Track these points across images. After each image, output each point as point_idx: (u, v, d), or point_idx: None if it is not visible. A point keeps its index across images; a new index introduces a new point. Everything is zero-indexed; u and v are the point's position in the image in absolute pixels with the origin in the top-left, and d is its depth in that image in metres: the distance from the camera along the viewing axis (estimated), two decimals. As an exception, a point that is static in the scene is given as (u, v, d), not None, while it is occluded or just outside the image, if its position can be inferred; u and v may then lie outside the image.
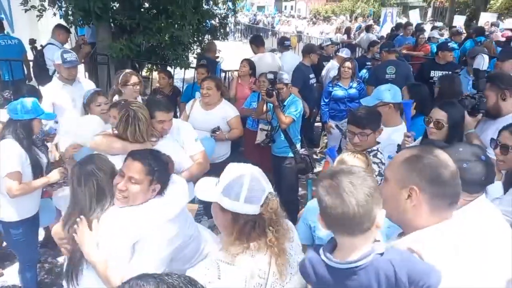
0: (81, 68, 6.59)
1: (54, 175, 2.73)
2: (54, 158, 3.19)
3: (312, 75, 5.43)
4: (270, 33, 19.79)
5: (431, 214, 1.24)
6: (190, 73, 6.75)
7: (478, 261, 1.30)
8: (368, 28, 11.56)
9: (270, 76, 3.75)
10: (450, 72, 4.95)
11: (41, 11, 5.67)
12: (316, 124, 6.73)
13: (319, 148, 6.09)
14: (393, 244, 1.29)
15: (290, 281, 1.44)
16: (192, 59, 7.05)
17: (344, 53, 5.84)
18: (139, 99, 3.71)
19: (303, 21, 22.05)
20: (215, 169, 3.42)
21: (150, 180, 1.80)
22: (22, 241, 2.80)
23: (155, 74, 6.84)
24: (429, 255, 1.19)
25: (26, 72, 5.89)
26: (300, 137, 4.03)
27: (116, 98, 3.56)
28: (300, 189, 4.63)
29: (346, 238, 1.20)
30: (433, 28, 11.22)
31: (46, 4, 5.67)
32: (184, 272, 1.49)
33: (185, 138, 2.89)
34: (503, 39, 8.44)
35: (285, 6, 38.31)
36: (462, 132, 2.52)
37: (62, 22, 5.69)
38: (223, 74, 6.36)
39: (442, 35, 9.00)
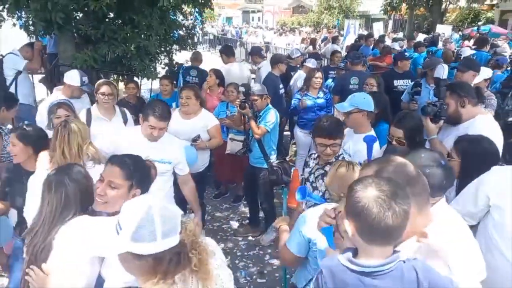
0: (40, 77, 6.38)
1: None
2: None
3: (281, 85, 5.50)
4: (238, 43, 19.91)
5: (419, 213, 1.31)
6: (157, 84, 6.66)
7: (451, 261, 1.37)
8: (334, 39, 11.89)
9: (242, 89, 3.84)
10: (409, 80, 5.19)
11: (-1, 21, 5.43)
12: (284, 133, 6.79)
13: (288, 157, 6.14)
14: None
15: None
16: (160, 69, 6.96)
17: (311, 63, 5.96)
18: (116, 108, 3.69)
19: (270, 32, 22.38)
20: (196, 178, 3.43)
21: (130, 185, 1.77)
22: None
23: (121, 85, 6.71)
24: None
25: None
26: (275, 148, 4.02)
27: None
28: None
29: (377, 248, 1.20)
30: (394, 40, 11.69)
31: (5, 14, 5.43)
32: None
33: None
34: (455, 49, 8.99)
35: (252, 18, 38.81)
36: (421, 138, 2.66)
37: (23, 32, 5.46)
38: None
39: (402, 46, 9.40)
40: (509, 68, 6.25)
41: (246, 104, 3.74)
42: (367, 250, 1.21)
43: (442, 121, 2.76)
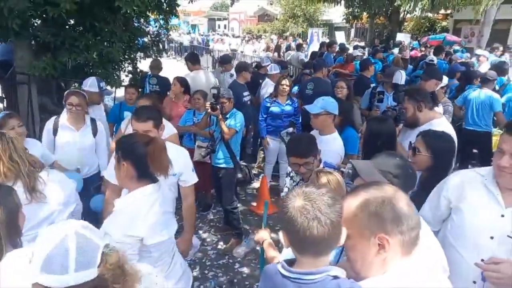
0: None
1: None
2: None
3: (246, 93, 5.53)
4: (204, 51, 19.86)
5: (403, 255, 1.14)
6: (122, 92, 6.52)
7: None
8: (299, 47, 12.14)
9: (214, 91, 3.93)
10: (376, 85, 5.40)
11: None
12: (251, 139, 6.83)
13: (256, 163, 6.18)
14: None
15: None
16: (124, 77, 6.82)
17: (273, 69, 6.03)
18: (87, 119, 3.57)
19: (237, 39, 22.50)
20: None
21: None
22: None
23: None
24: None
25: None
26: (240, 150, 4.21)
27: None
28: (240, 205, 4.66)
29: (308, 259, 1.20)
30: (355, 47, 12.11)
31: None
32: None
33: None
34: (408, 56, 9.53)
35: (218, 25, 38.85)
36: (394, 144, 2.72)
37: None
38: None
39: (363, 53, 9.76)
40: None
41: (218, 106, 3.81)
42: (299, 261, 1.22)
43: (401, 125, 2.88)
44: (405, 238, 1.12)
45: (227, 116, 3.99)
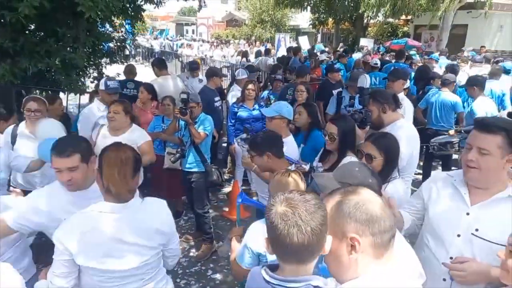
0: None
1: None
2: None
3: (217, 98, 5.52)
4: (173, 56, 19.67)
5: (375, 258, 1.15)
6: (86, 99, 6.34)
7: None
8: (268, 52, 12.26)
9: (184, 96, 3.91)
10: (341, 89, 5.54)
11: None
12: (223, 144, 6.82)
13: (227, 168, 6.16)
14: None
15: None
16: (89, 83, 6.63)
17: (240, 74, 6.07)
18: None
19: (206, 44, 22.44)
20: None
21: None
22: None
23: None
24: None
25: None
26: (210, 154, 4.21)
27: None
28: (212, 211, 4.63)
29: (290, 266, 1.20)
30: (322, 52, 12.39)
31: None
32: None
33: None
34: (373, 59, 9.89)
35: (186, 30, 38.60)
36: (353, 141, 2.81)
37: None
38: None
39: (330, 58, 9.98)
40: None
41: (187, 111, 3.80)
42: (282, 267, 1.23)
43: (368, 127, 2.97)
44: (377, 240, 1.13)
45: (196, 120, 3.98)
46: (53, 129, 3.00)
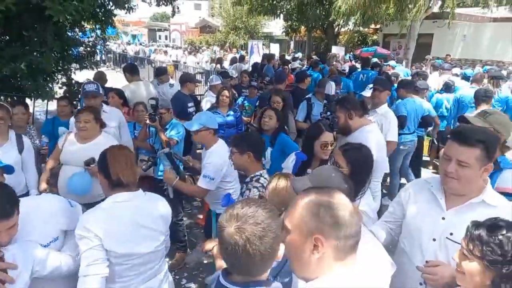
0: None
1: None
2: None
3: (190, 104, 5.50)
4: (146, 61, 19.44)
5: (336, 260, 1.18)
6: (55, 105, 6.17)
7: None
8: (242, 59, 12.34)
9: (152, 102, 3.85)
10: (309, 96, 5.65)
11: None
12: (198, 151, 6.79)
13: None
14: None
15: None
16: (57, 89, 6.46)
17: (214, 80, 6.08)
18: (11, 134, 3.26)
19: (179, 50, 22.29)
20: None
21: None
22: None
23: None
24: None
25: None
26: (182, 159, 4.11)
27: None
28: (186, 218, 4.60)
29: (245, 277, 1.24)
30: (294, 59, 12.60)
31: None
32: None
33: None
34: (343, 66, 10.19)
35: (159, 36, 38.26)
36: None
37: None
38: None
39: (302, 65, 10.17)
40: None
41: (156, 117, 3.75)
42: (234, 276, 1.27)
43: (335, 133, 3.05)
44: (340, 243, 1.15)
45: (167, 127, 3.95)
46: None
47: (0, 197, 1.68)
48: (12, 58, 5.05)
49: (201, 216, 5.04)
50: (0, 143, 3.19)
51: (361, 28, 19.30)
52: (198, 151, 6.51)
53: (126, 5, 6.84)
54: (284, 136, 3.61)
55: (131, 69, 5.75)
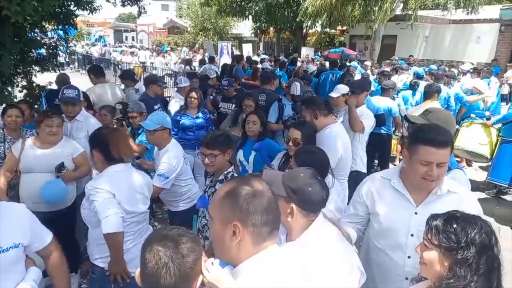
0: None
1: None
2: None
3: (156, 106, 5.42)
4: (111, 63, 18.95)
5: (254, 246, 1.25)
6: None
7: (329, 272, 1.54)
8: (212, 60, 12.29)
9: (119, 106, 3.72)
10: (280, 97, 5.72)
11: None
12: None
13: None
14: None
15: None
16: (17, 93, 6.19)
17: (183, 81, 6.03)
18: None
19: (146, 52, 21.89)
20: (65, 216, 3.12)
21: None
22: None
23: None
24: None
25: None
26: None
27: None
28: (157, 223, 4.53)
29: None
30: (262, 60, 12.69)
31: None
32: None
33: None
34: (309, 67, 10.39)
35: (126, 37, 37.46)
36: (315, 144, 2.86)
37: None
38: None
39: (272, 66, 10.26)
40: None
41: (124, 122, 3.66)
42: None
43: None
44: (256, 230, 1.23)
45: (139, 131, 3.82)
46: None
47: None
48: (-33, 60, 4.80)
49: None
50: None
51: (328, 30, 19.67)
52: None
53: (89, 6, 6.64)
54: (269, 140, 3.58)
55: (96, 71, 5.61)
